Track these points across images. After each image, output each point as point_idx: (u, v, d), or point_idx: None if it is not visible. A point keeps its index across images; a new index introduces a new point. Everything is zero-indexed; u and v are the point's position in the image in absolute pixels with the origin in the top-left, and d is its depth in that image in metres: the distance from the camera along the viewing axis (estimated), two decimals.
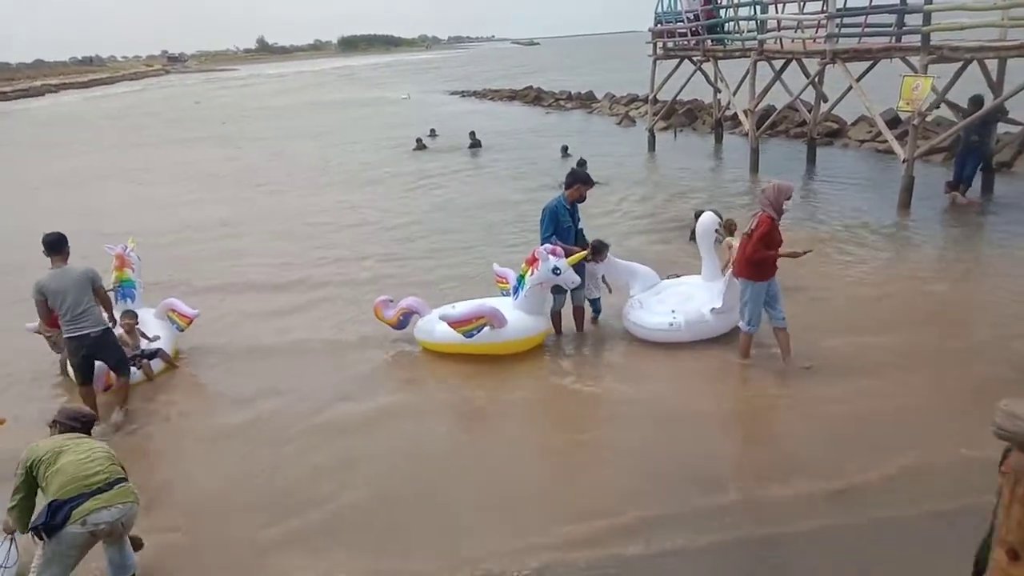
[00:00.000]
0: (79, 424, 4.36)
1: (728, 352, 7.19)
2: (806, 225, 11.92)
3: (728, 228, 8.64)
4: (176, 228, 14.26)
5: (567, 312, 7.97)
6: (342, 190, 17.53)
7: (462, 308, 7.52)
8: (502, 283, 8.34)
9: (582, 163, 15.58)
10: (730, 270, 7.16)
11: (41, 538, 3.89)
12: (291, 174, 20.23)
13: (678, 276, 8.41)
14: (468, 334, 7.31)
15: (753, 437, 6.12)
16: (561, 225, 7.58)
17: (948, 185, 12.90)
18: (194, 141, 29.63)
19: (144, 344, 7.66)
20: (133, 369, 7.06)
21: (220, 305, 9.69)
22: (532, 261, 7.35)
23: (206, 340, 8.45)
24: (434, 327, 7.68)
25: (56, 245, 6.28)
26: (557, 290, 7.64)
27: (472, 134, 22.85)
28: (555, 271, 7.20)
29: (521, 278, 7.55)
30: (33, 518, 3.94)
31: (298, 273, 11.01)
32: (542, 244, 7.43)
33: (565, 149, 20.21)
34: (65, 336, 6.37)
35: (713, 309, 7.27)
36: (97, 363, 6.55)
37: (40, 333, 7.59)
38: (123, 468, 4.22)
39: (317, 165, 21.50)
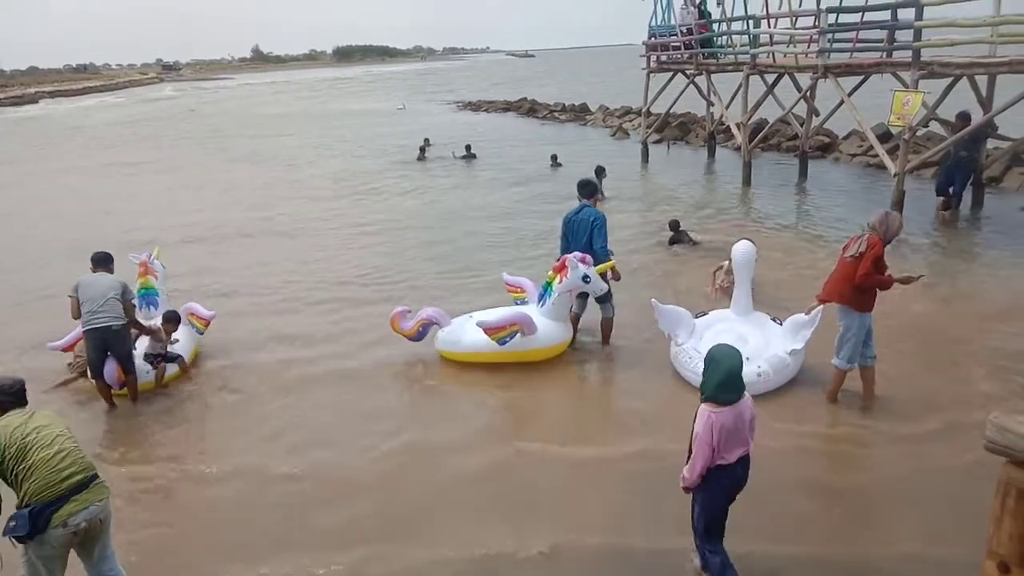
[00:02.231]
0: (12, 398, 4.14)
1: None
2: (799, 238, 11.99)
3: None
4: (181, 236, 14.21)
5: (592, 321, 8.08)
6: (340, 200, 17.50)
7: (494, 315, 7.47)
8: (515, 292, 8.33)
9: (601, 170, 15.53)
10: (818, 307, 6.43)
11: (22, 542, 3.84)
12: (293, 183, 20.19)
13: (705, 313, 7.66)
14: (501, 341, 7.29)
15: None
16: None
17: (942, 197, 13.02)
18: (189, 153, 29.58)
19: (170, 348, 7.75)
20: (149, 369, 7.39)
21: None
22: (560, 268, 7.42)
23: (222, 349, 8.48)
24: (460, 337, 7.59)
25: (103, 261, 7.19)
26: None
27: (468, 147, 22.91)
28: (585, 279, 7.31)
29: (548, 285, 7.58)
30: (12, 525, 3.84)
31: (302, 287, 10.78)
32: (598, 253, 7.52)
33: (555, 158, 20.40)
34: (86, 329, 6.82)
35: (793, 351, 6.64)
36: (108, 365, 6.95)
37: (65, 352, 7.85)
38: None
39: (318, 174, 21.43)
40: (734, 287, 7.58)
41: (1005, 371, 6.88)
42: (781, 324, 7.06)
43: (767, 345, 6.84)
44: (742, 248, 7.39)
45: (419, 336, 7.77)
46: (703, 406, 3.91)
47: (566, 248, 7.83)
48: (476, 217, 14.90)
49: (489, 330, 7.26)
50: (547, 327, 7.51)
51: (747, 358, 6.53)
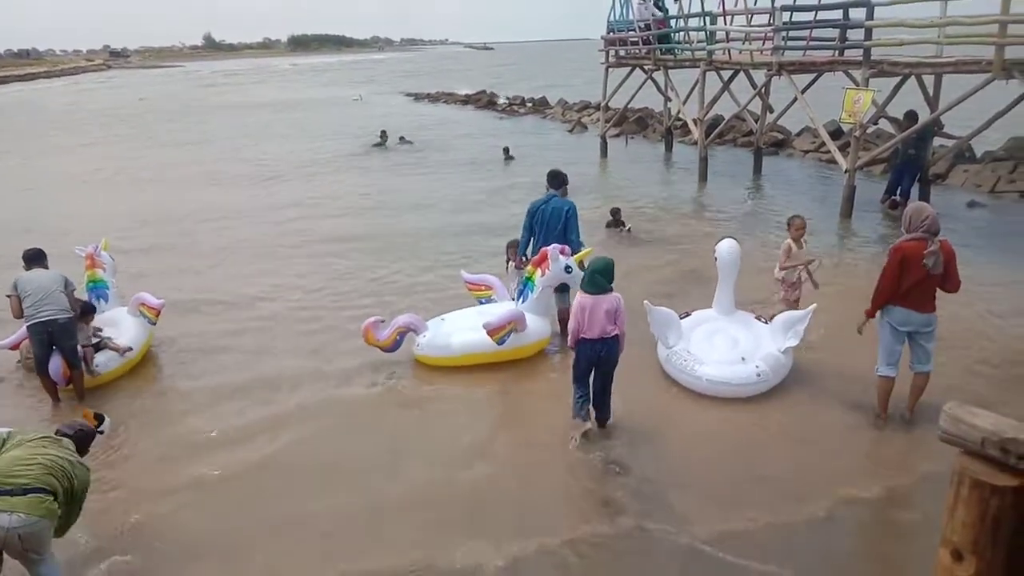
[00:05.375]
0: (70, 432, 4.38)
1: None
2: (753, 233, 12.15)
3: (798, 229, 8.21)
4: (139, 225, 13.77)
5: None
6: (291, 192, 17.21)
7: (488, 315, 7.31)
8: (479, 290, 8.17)
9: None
10: (813, 306, 6.50)
11: None
12: (247, 173, 19.75)
13: (688, 314, 7.37)
14: (500, 341, 7.14)
15: None
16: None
17: (888, 196, 13.34)
18: (140, 143, 28.72)
19: (120, 341, 7.53)
20: (97, 364, 7.19)
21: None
22: (540, 262, 7.33)
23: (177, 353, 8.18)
24: (449, 340, 7.35)
25: (35, 258, 7.07)
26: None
27: (402, 137, 24.19)
28: (567, 270, 7.25)
29: (529, 280, 7.49)
30: None
31: (252, 285, 10.37)
32: (574, 244, 7.48)
33: (507, 151, 20.48)
34: (30, 324, 6.70)
35: (787, 348, 6.59)
36: (53, 361, 6.80)
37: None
38: (64, 484, 3.94)
39: (269, 165, 21.01)
40: (719, 284, 7.29)
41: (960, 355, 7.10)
42: (766, 323, 6.99)
43: (758, 345, 6.77)
44: (726, 246, 7.14)
45: (395, 346, 7.37)
46: (578, 292, 5.79)
47: (528, 240, 7.75)
48: (431, 210, 14.74)
49: (492, 331, 7.09)
50: (533, 322, 7.43)
51: (742, 359, 6.57)
